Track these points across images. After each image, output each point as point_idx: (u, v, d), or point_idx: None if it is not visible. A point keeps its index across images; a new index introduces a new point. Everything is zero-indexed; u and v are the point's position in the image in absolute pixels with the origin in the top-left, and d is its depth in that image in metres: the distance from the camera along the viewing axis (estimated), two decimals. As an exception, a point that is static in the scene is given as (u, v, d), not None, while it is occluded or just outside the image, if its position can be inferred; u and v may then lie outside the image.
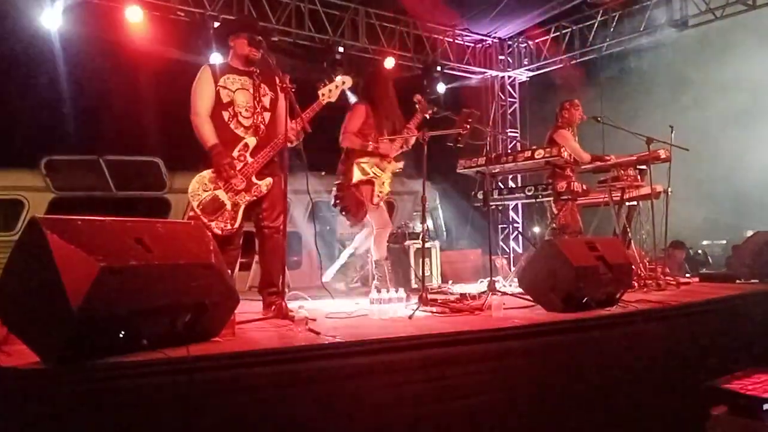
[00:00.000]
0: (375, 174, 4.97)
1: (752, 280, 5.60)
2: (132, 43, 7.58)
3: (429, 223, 10.70)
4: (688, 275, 6.69)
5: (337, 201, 5.09)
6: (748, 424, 3.66)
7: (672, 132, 5.69)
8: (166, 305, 2.55)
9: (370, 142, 4.96)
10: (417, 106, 5.12)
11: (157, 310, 2.52)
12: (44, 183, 8.21)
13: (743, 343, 4.46)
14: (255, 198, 3.87)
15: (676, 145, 5.63)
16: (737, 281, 5.68)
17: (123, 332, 2.41)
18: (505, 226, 10.64)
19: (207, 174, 3.81)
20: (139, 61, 8.00)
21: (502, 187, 7.47)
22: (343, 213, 5.13)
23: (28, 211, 8.06)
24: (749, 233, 6.26)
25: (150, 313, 2.49)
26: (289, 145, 3.87)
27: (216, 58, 6.87)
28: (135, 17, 7.37)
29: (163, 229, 2.69)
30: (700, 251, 10.58)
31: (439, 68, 9.68)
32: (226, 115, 3.86)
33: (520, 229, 10.58)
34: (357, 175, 4.98)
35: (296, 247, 8.58)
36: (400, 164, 5.19)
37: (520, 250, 10.33)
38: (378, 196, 4.95)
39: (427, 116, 5.14)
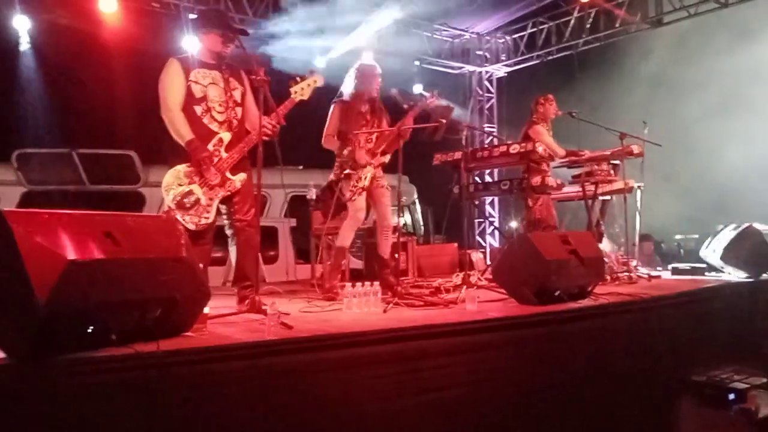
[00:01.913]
0: (352, 169, 4.89)
1: (722, 274, 5.70)
2: (105, 35, 7.48)
3: (407, 217, 10.75)
4: (659, 268, 6.79)
5: (318, 196, 5.06)
6: (714, 413, 3.75)
7: (645, 127, 5.77)
8: (136, 300, 2.53)
9: (347, 149, 4.89)
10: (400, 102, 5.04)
11: (126, 305, 2.50)
12: (15, 176, 8.08)
13: (711, 335, 4.54)
14: (229, 193, 3.83)
15: (648, 140, 5.71)
16: (707, 274, 5.78)
17: (91, 327, 2.38)
18: (481, 220, 10.71)
19: (182, 168, 3.76)
20: (113, 53, 7.91)
21: (479, 181, 7.53)
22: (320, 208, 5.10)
23: (-2, 206, 7.92)
24: (721, 227, 6.36)
25: (119, 307, 2.46)
26: (265, 138, 3.84)
27: (190, 44, 6.79)
28: (109, 8, 7.28)
29: (133, 223, 2.67)
30: (675, 244, 10.72)
31: (417, 63, 9.70)
32: (198, 109, 3.80)
33: (497, 224, 10.66)
34: (336, 171, 4.95)
35: (273, 241, 8.56)
36: (386, 157, 5.09)
37: (496, 245, 10.41)
38: (351, 190, 4.85)
39: (405, 107, 5.08)
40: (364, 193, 4.85)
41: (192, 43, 6.49)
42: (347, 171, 4.86)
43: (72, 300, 2.27)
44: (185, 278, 2.71)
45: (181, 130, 3.73)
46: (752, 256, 5.46)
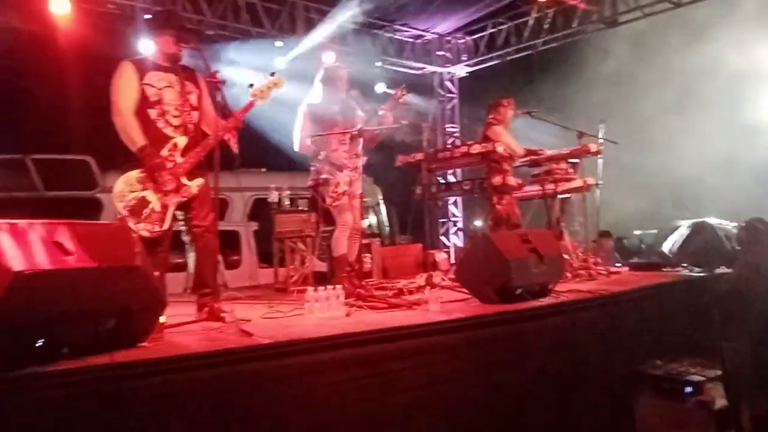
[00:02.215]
0: (330, 174, 4.88)
1: (679, 268, 5.83)
2: (59, 37, 7.28)
3: (372, 218, 10.74)
4: (618, 264, 6.92)
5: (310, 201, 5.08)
6: (672, 405, 3.84)
7: (602, 126, 5.87)
8: (88, 311, 2.46)
9: (322, 152, 4.86)
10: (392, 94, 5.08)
11: (78, 317, 2.43)
12: (-33, 184, 7.80)
13: (669, 330, 4.64)
14: (184, 199, 3.74)
15: (605, 138, 5.81)
16: (664, 269, 5.90)
17: (41, 341, 2.31)
18: (445, 220, 10.77)
19: (135, 174, 3.66)
20: (67, 56, 7.70)
21: (442, 181, 7.56)
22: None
23: (-53, 214, 7.62)
24: (679, 222, 6.51)
25: (70, 319, 2.40)
26: (223, 138, 3.79)
27: (145, 47, 6.64)
28: (62, 9, 7.08)
29: (84, 231, 2.59)
30: (637, 240, 10.90)
31: (378, 63, 9.70)
32: (153, 113, 3.70)
33: (460, 223, 10.73)
34: (313, 176, 4.91)
35: (235, 245, 8.44)
36: (362, 160, 5.06)
37: (460, 244, 10.48)
38: (332, 196, 4.84)
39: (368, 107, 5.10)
40: (346, 197, 4.84)
41: (147, 45, 6.35)
42: (324, 176, 4.83)
43: (20, 313, 2.20)
44: (140, 287, 2.65)
45: (132, 136, 3.63)
46: (707, 250, 5.60)
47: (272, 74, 4.06)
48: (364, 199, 5.23)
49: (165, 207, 3.65)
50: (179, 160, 3.72)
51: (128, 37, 7.50)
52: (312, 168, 4.95)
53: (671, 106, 9.28)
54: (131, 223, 3.51)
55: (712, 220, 6.02)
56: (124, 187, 3.62)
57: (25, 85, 8.54)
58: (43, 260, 2.32)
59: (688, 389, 3.85)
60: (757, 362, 3.24)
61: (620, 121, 7.30)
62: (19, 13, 7.25)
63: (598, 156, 5.95)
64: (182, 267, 6.03)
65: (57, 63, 7.91)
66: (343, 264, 4.99)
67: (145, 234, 3.51)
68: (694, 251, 5.66)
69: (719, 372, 3.91)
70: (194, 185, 3.75)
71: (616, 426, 4.02)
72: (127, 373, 2.33)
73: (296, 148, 5.01)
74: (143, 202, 3.61)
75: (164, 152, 3.69)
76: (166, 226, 3.64)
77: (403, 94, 5.08)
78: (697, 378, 3.91)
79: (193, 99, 3.87)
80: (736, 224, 5.72)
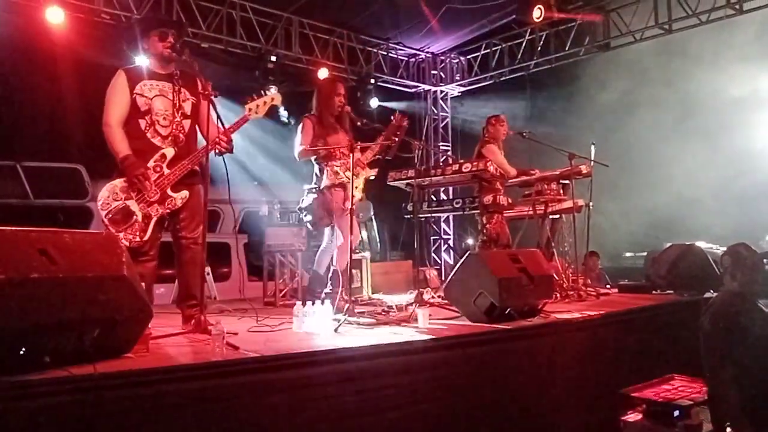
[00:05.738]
0: (348, 178, 4.83)
1: (668, 291, 5.84)
2: (53, 45, 7.27)
3: (363, 234, 10.72)
4: (608, 286, 6.93)
5: (304, 206, 4.98)
6: (659, 429, 3.81)
7: (593, 148, 5.91)
8: (72, 320, 2.43)
9: (338, 159, 4.81)
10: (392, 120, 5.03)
11: (61, 326, 2.40)
12: (-44, 190, 7.74)
13: (657, 352, 4.64)
14: (169, 210, 3.70)
15: (596, 160, 5.85)
16: (653, 292, 5.91)
17: (23, 349, 2.28)
18: (436, 237, 10.77)
19: (118, 183, 3.63)
20: (61, 64, 7.69)
21: (433, 199, 7.58)
22: (308, 218, 5.02)
23: (-65, 220, 7.54)
24: (667, 245, 6.53)
25: (54, 328, 2.37)
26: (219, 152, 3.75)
27: (142, 60, 6.65)
28: (56, 19, 7.08)
29: (71, 240, 2.57)
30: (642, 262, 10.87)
31: (372, 81, 9.75)
32: (143, 123, 3.69)
33: (452, 241, 10.73)
34: (327, 179, 4.85)
35: (225, 258, 8.40)
36: (374, 171, 5.05)
37: (451, 262, 10.47)
38: (349, 199, 4.79)
39: (359, 124, 5.06)
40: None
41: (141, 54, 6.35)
42: (342, 180, 4.78)
43: (2, 320, 2.17)
44: (126, 297, 2.62)
45: (116, 146, 3.62)
46: (696, 274, 5.61)
47: (269, 90, 4.06)
48: (357, 215, 5.18)
49: (147, 217, 3.62)
50: (166, 171, 3.69)
51: (121, 46, 7.50)
52: (328, 170, 4.86)
53: (665, 132, 9.37)
54: (112, 232, 3.47)
55: (702, 244, 6.04)
56: (107, 195, 3.59)
57: (18, 93, 8.51)
58: (28, 268, 2.30)
59: (676, 413, 3.82)
60: (741, 388, 3.23)
61: (614, 145, 7.36)
62: (13, 21, 7.24)
63: (589, 178, 5.98)
64: (171, 278, 5.99)
65: (50, 71, 7.90)
66: (345, 280, 4.92)
67: (125, 243, 3.44)
68: (683, 275, 5.68)
69: (706, 397, 3.90)
70: (179, 198, 3.72)
71: (602, 448, 4.00)
72: (110, 383, 2.29)
73: (300, 155, 4.95)
74: (126, 212, 3.58)
75: (150, 163, 3.67)
76: (147, 237, 3.60)
77: (403, 123, 5.03)
78: (685, 402, 3.90)
79: (187, 107, 3.83)
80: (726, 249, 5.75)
